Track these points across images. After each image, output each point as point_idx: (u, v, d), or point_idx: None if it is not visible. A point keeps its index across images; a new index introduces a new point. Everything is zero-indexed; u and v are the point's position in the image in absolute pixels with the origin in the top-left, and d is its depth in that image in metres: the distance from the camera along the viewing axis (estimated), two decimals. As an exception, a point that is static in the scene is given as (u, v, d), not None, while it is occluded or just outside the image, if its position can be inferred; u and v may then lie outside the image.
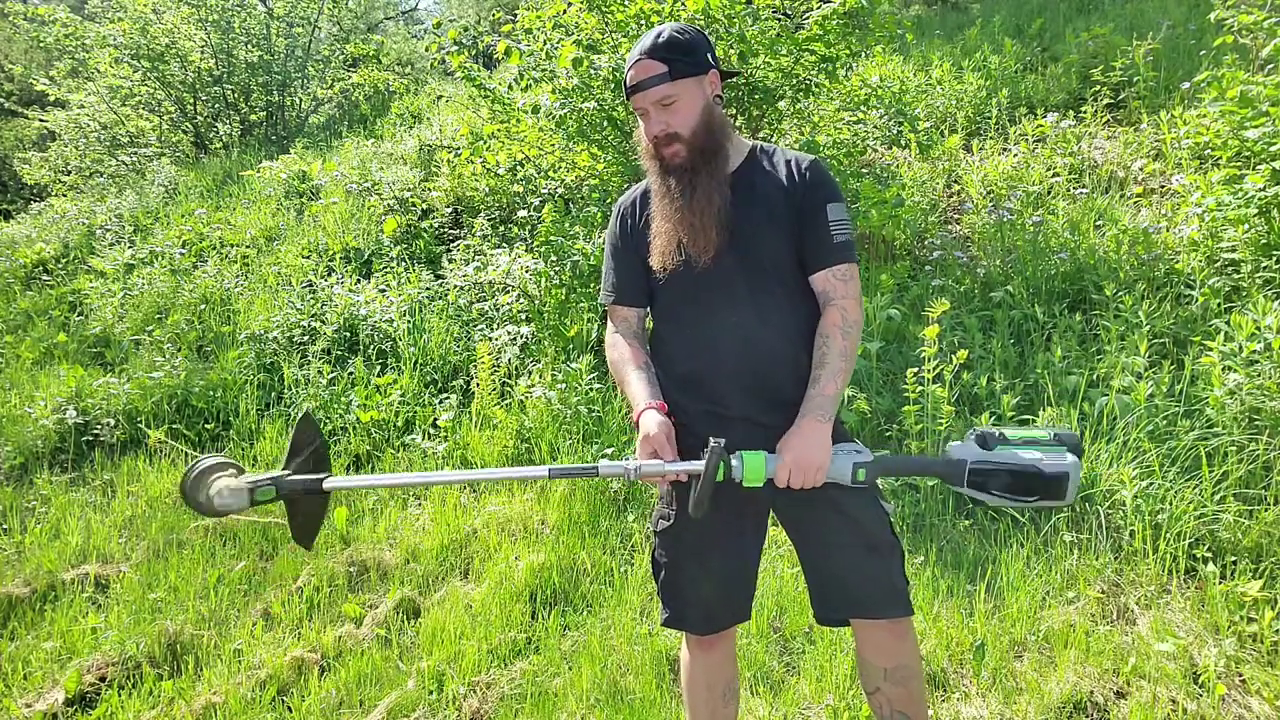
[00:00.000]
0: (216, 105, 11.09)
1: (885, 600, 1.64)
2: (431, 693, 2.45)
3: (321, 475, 1.68)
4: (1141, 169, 4.77)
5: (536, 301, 4.70)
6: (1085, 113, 5.39)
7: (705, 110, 1.66)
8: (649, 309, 1.83)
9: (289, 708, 2.44)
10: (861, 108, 5.12)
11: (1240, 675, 2.19)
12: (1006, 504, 1.60)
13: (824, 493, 1.64)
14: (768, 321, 1.65)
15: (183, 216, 7.73)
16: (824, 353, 1.62)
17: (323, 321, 5.15)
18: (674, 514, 1.73)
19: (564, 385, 4.04)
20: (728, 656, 1.83)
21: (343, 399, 4.42)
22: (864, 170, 5.56)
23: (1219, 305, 3.45)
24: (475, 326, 4.88)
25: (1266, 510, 2.60)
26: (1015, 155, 5.16)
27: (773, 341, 1.65)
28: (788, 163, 1.71)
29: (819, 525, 1.66)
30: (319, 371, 4.63)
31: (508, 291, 4.91)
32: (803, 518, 1.68)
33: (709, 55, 1.67)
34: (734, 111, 4.73)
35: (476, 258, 5.51)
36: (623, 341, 1.78)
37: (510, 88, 4.99)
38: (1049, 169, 4.90)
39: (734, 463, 1.53)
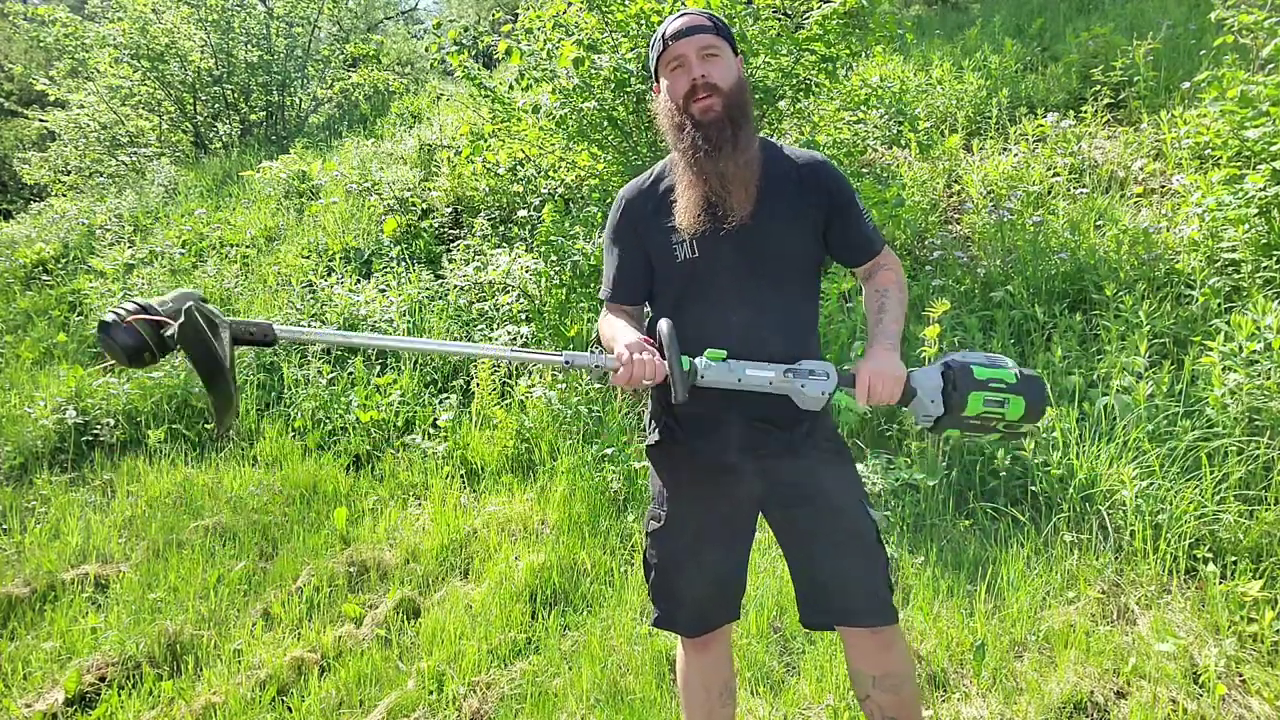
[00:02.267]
0: (216, 105, 11.09)
1: (868, 609, 1.63)
2: (431, 693, 2.45)
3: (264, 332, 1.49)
4: (1141, 169, 4.77)
5: (536, 301, 4.70)
6: (1085, 113, 5.38)
7: (740, 79, 1.67)
8: (648, 306, 1.81)
9: (289, 708, 2.44)
10: (861, 108, 5.12)
11: (1240, 675, 2.19)
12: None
13: (815, 497, 1.64)
14: (772, 319, 1.64)
15: (183, 216, 7.72)
16: (884, 301, 1.68)
17: (323, 321, 5.15)
18: (665, 514, 1.73)
19: (564, 385, 4.04)
20: (723, 657, 1.83)
21: (343, 399, 4.42)
22: (864, 170, 5.56)
23: (1219, 305, 3.45)
24: (475, 326, 4.88)
25: (1267, 510, 2.60)
26: (1015, 155, 5.16)
27: (776, 339, 1.64)
28: (797, 159, 1.72)
29: (806, 529, 1.66)
30: (319, 371, 4.63)
31: (508, 291, 4.91)
32: (792, 519, 1.68)
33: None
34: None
35: (476, 258, 5.51)
36: (614, 317, 1.76)
37: (511, 87, 4.99)
38: (1049, 169, 4.90)
39: (698, 362, 1.54)
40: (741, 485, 1.67)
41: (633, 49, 4.33)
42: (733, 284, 1.64)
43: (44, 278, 7.41)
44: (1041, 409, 1.58)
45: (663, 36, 1.67)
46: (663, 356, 1.54)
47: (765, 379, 1.55)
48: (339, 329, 5.02)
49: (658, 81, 1.72)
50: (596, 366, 1.56)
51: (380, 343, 1.68)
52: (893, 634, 1.66)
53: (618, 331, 1.66)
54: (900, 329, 1.65)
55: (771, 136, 3.09)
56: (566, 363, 1.56)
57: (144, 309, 1.41)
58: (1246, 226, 3.55)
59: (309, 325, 5.12)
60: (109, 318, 1.39)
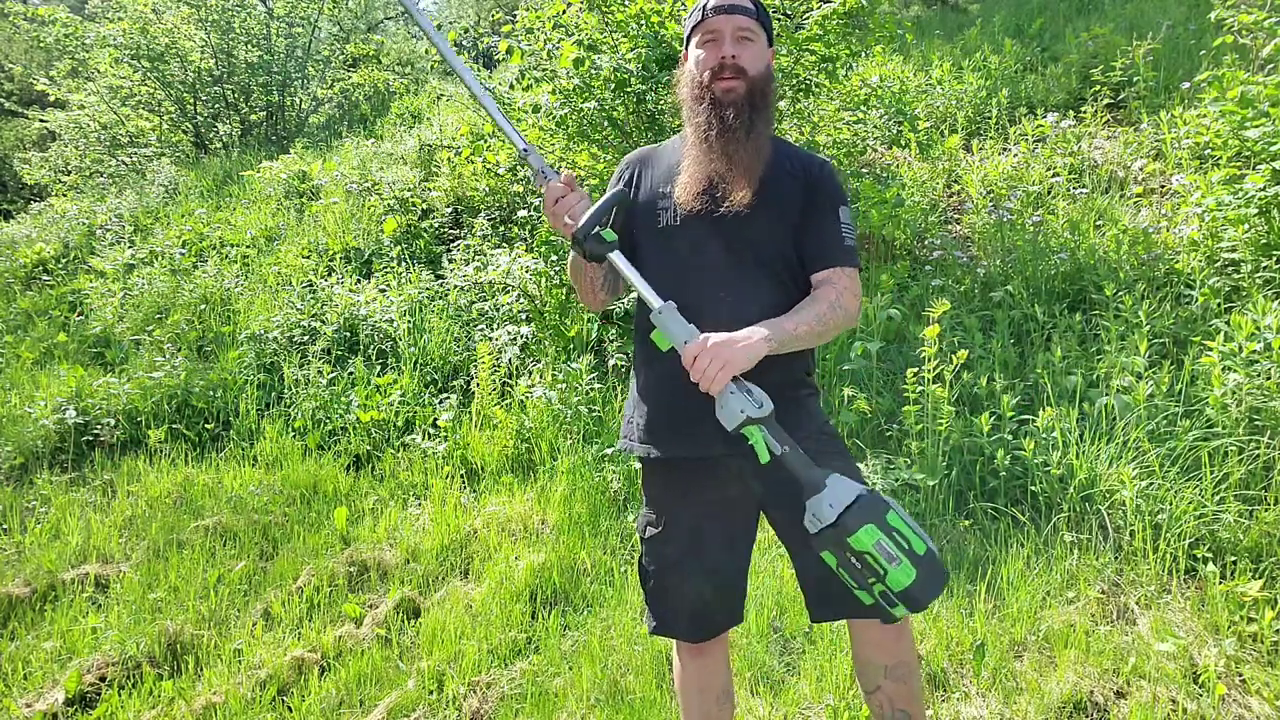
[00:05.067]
0: (216, 105, 11.09)
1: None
2: (431, 693, 2.45)
3: None
4: (1141, 169, 4.77)
5: (536, 301, 4.70)
6: (1085, 113, 5.39)
7: (768, 68, 1.65)
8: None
9: (289, 708, 2.44)
10: (861, 108, 5.12)
11: (1240, 675, 2.19)
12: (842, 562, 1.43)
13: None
14: (759, 310, 1.59)
15: (183, 216, 7.73)
16: (803, 305, 1.59)
17: (323, 321, 5.15)
18: (660, 520, 1.70)
19: (564, 385, 4.04)
20: (720, 661, 1.80)
21: (343, 399, 4.42)
22: (864, 170, 5.56)
23: (1219, 305, 3.45)
24: (475, 326, 4.88)
25: (1267, 510, 2.60)
26: (1015, 155, 5.16)
27: None
28: (803, 160, 1.71)
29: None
30: (319, 371, 4.63)
31: (508, 291, 4.91)
32: (794, 519, 1.64)
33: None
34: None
35: (476, 258, 5.51)
36: None
37: (511, 87, 4.99)
38: (1049, 169, 4.90)
39: (659, 311, 1.53)
40: (735, 487, 1.65)
41: (632, 49, 4.33)
42: (716, 268, 1.62)
43: (44, 278, 7.41)
44: (924, 599, 1.39)
45: (704, 6, 1.65)
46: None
47: (683, 336, 1.50)
48: (340, 326, 5.02)
49: (687, 48, 1.70)
50: (540, 174, 1.61)
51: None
52: (905, 622, 1.64)
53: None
54: (797, 333, 1.52)
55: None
56: (524, 150, 1.61)
57: None
58: (1246, 226, 3.55)
59: (311, 323, 5.13)
60: None
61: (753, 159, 1.60)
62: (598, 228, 1.55)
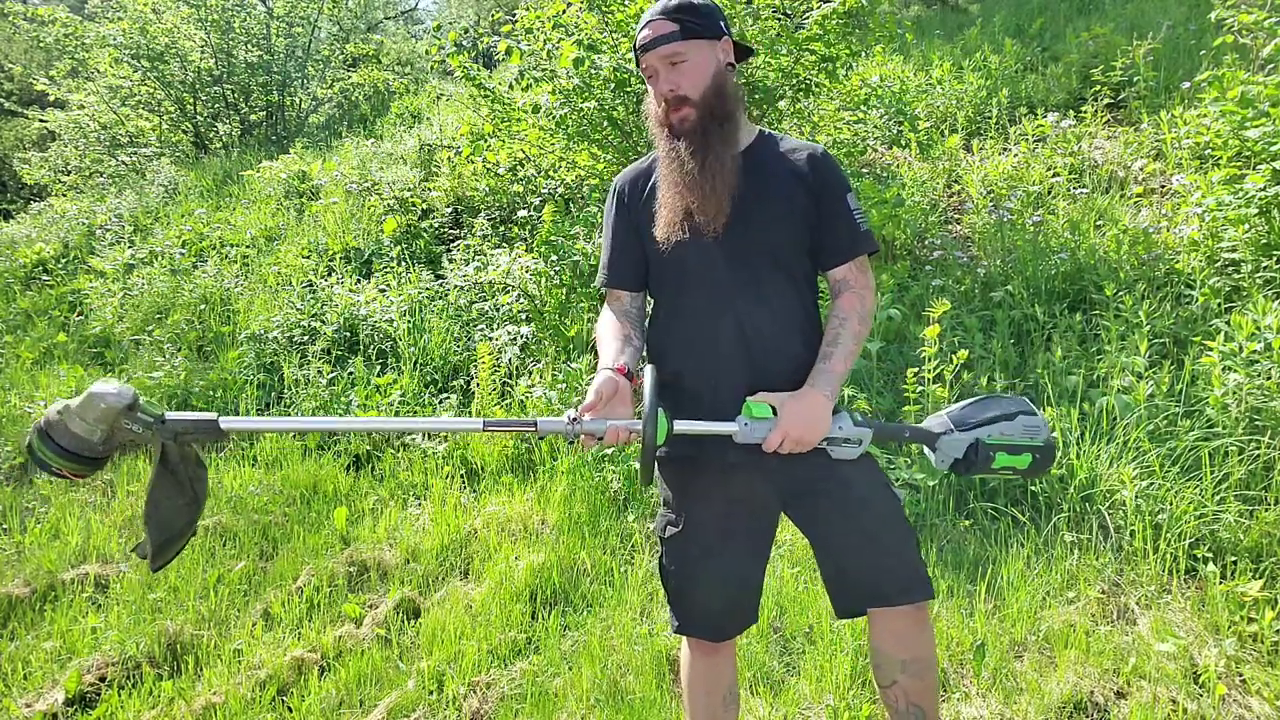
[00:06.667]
0: (216, 105, 11.09)
1: (906, 586, 1.61)
2: (431, 693, 2.45)
3: (214, 417, 1.42)
4: (1141, 169, 4.77)
5: (536, 301, 4.70)
6: (1085, 113, 5.39)
7: (717, 75, 1.63)
8: (646, 293, 1.79)
9: (289, 708, 2.44)
10: (861, 108, 5.12)
11: (1240, 675, 2.19)
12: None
13: (835, 486, 1.62)
14: (770, 312, 1.62)
15: (183, 216, 7.73)
16: (838, 332, 1.61)
17: (323, 321, 5.15)
18: (681, 520, 1.70)
19: (564, 385, 4.04)
20: (728, 661, 1.80)
21: (343, 399, 4.42)
22: (864, 170, 5.56)
23: (1219, 305, 3.45)
24: (475, 326, 4.88)
25: (1267, 510, 2.60)
26: (1015, 155, 5.16)
27: (775, 334, 1.62)
28: (797, 150, 1.70)
29: (832, 518, 1.63)
30: (319, 371, 4.63)
31: (508, 291, 4.91)
32: (816, 514, 1.65)
33: (722, 23, 1.67)
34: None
35: (476, 258, 5.51)
36: (608, 316, 1.74)
37: (510, 87, 4.99)
38: (1049, 169, 4.90)
39: (674, 424, 1.50)
40: (755, 485, 1.65)
41: (633, 49, 4.33)
42: (724, 281, 1.62)
43: (44, 278, 7.41)
44: (1043, 474, 1.71)
45: (634, 48, 1.67)
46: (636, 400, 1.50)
47: (764, 436, 1.52)
48: (340, 326, 5.02)
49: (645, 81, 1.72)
50: (570, 439, 1.51)
51: (335, 425, 1.64)
52: (927, 613, 1.65)
53: (601, 352, 1.65)
54: (847, 369, 1.59)
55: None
56: (540, 433, 1.56)
57: (72, 453, 1.35)
58: (1246, 226, 3.55)
59: (310, 323, 5.13)
60: (34, 445, 1.34)
61: (722, 182, 1.59)
62: (663, 441, 1.49)
